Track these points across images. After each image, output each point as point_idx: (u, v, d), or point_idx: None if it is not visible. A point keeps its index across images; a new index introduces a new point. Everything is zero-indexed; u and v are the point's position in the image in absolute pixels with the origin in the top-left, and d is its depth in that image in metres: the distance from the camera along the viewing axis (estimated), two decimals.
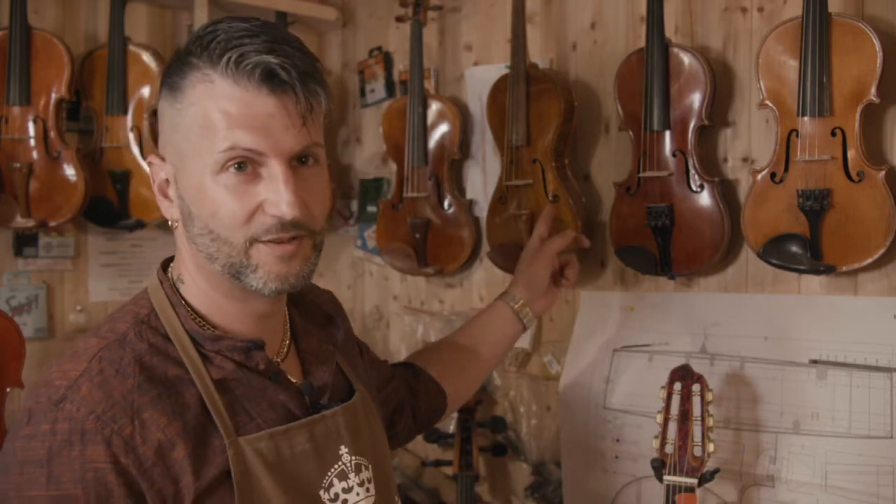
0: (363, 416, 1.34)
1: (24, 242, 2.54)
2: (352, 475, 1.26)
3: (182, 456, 1.09)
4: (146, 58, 2.55)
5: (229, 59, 1.07)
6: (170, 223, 1.20)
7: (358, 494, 1.26)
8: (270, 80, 1.07)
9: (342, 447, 1.26)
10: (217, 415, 1.13)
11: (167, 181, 1.19)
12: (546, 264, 1.92)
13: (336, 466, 1.24)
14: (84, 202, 2.45)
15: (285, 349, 1.30)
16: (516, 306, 1.88)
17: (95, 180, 2.49)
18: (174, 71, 1.13)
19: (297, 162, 1.14)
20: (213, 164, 1.10)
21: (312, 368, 1.31)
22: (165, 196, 1.20)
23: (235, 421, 1.15)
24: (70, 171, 2.43)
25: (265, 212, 1.11)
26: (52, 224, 2.44)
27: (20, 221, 2.39)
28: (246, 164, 1.10)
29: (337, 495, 1.23)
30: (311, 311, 1.42)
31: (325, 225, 1.22)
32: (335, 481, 1.23)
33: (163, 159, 1.18)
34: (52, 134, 2.42)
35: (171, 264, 1.27)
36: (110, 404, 1.06)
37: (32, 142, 2.39)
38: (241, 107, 1.07)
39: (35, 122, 2.40)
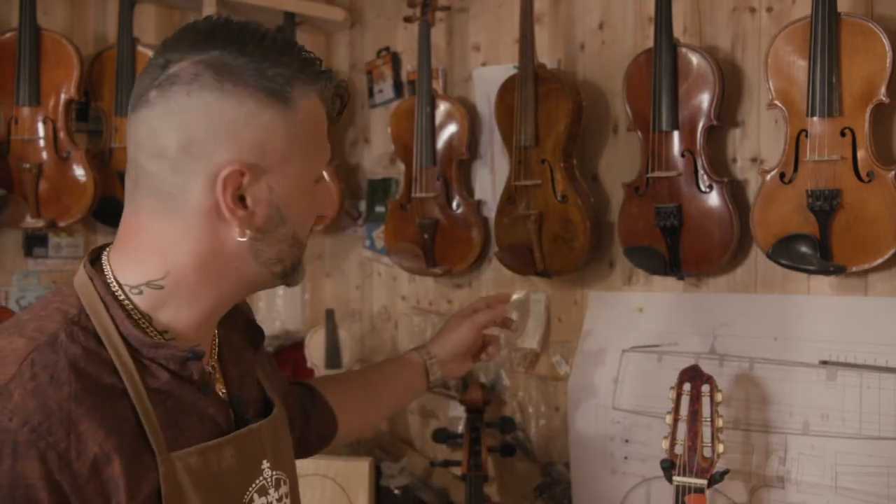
0: (282, 431, 1.30)
1: (33, 243, 2.55)
2: (272, 490, 1.22)
3: (117, 472, 1.01)
4: None
5: (324, 86, 1.14)
6: (239, 235, 1.09)
7: None
8: (333, 107, 1.18)
9: (265, 461, 1.22)
10: (151, 429, 1.05)
11: (238, 188, 1.08)
12: (470, 334, 1.81)
13: (257, 482, 1.19)
14: (93, 202, 2.46)
15: (214, 358, 1.24)
16: (429, 362, 1.78)
17: (105, 181, 2.50)
18: (276, 76, 1.08)
19: None
20: (317, 174, 1.16)
21: (235, 379, 1.26)
22: (241, 206, 1.09)
23: (167, 435, 1.08)
24: (79, 172, 2.43)
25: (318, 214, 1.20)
26: (62, 224, 2.45)
27: (30, 222, 2.40)
28: None
29: None
30: (234, 319, 1.32)
31: None
32: (255, 497, 1.19)
33: (244, 169, 1.07)
34: (62, 134, 2.42)
35: (105, 261, 1.14)
36: (46, 415, 0.97)
37: (42, 142, 2.40)
38: (324, 124, 1.16)
39: (45, 122, 2.41)
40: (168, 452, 1.06)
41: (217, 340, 1.25)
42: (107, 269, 1.11)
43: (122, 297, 1.09)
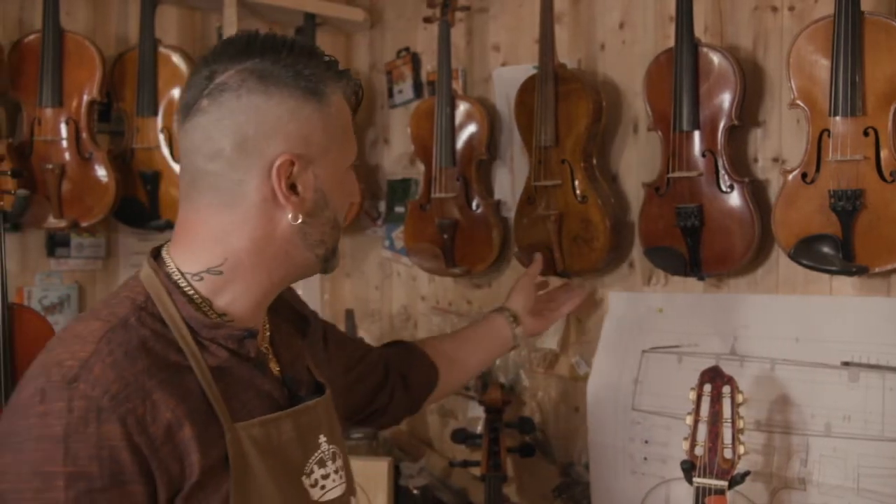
0: (333, 410, 1.41)
1: (56, 243, 2.57)
2: (329, 463, 1.33)
3: (189, 436, 1.13)
4: (176, 59, 2.57)
5: (347, 85, 1.27)
6: (293, 221, 1.23)
7: (333, 481, 1.33)
8: (351, 103, 1.31)
9: (321, 436, 1.33)
10: (215, 401, 1.18)
11: (291, 176, 1.22)
12: (527, 284, 2.12)
13: (317, 454, 1.31)
14: (115, 203, 2.48)
15: (267, 341, 1.37)
16: (509, 317, 2.04)
17: (126, 181, 2.52)
18: (311, 76, 1.22)
19: None
20: (349, 161, 1.30)
21: (286, 361, 1.38)
22: (294, 192, 1.23)
23: (230, 407, 1.20)
24: (101, 172, 2.45)
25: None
26: (84, 224, 2.47)
27: (53, 222, 2.42)
28: None
29: (317, 481, 1.30)
30: (281, 308, 1.45)
31: None
32: (315, 468, 1.30)
33: (294, 158, 1.21)
34: (84, 135, 2.44)
35: (166, 255, 1.27)
36: (123, 385, 1.10)
37: (64, 143, 2.42)
38: (350, 121, 1.30)
39: (67, 123, 2.43)
40: (232, 423, 1.19)
41: (268, 326, 1.38)
42: (168, 261, 1.25)
43: (184, 284, 1.23)
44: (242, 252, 1.22)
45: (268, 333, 1.37)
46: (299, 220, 1.22)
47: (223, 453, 1.17)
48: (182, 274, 1.23)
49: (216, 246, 1.22)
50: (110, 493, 1.08)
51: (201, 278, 1.23)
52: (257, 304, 1.28)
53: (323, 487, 1.31)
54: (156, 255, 1.29)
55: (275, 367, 1.34)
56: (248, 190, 1.20)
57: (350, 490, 1.39)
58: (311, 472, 1.29)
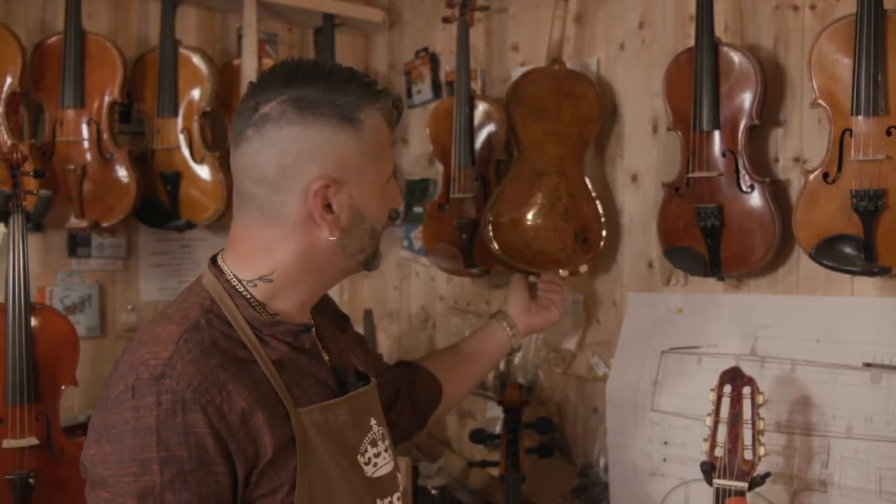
0: (377, 396, 1.58)
1: (77, 243, 2.59)
2: (379, 443, 1.49)
3: (261, 421, 1.28)
4: (196, 60, 2.59)
5: (384, 103, 1.39)
6: (330, 235, 1.36)
7: (383, 459, 1.49)
8: (391, 118, 1.43)
9: (372, 419, 1.50)
10: (280, 390, 1.33)
11: (327, 198, 1.35)
12: (518, 285, 2.15)
13: (369, 435, 1.47)
14: (136, 203, 2.49)
15: (315, 336, 1.49)
16: (505, 322, 2.08)
17: (146, 181, 2.54)
18: (345, 104, 1.35)
19: None
20: (386, 176, 1.42)
21: (334, 353, 1.53)
22: (330, 211, 1.36)
23: (293, 395, 1.35)
24: (122, 173, 2.47)
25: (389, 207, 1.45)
26: (105, 224, 2.48)
27: (74, 222, 2.44)
28: None
29: (370, 459, 1.45)
30: (323, 308, 1.61)
31: None
32: (368, 447, 1.46)
33: (330, 182, 1.34)
34: (105, 136, 2.46)
35: (222, 263, 1.42)
36: (202, 379, 1.25)
37: (86, 144, 2.44)
38: (389, 136, 1.42)
39: (88, 124, 2.44)
40: (296, 408, 1.34)
41: (314, 323, 1.51)
42: (225, 269, 1.40)
43: (242, 289, 1.38)
44: (289, 263, 1.38)
45: (313, 328, 1.49)
46: (336, 236, 1.36)
47: (290, 435, 1.32)
48: (239, 280, 1.38)
49: (265, 258, 1.38)
50: (198, 473, 1.23)
51: (255, 285, 1.38)
52: (305, 304, 1.45)
53: (375, 465, 1.46)
54: (213, 262, 1.43)
55: (326, 358, 1.49)
56: (289, 210, 1.34)
57: (396, 467, 1.54)
58: (365, 451, 1.45)
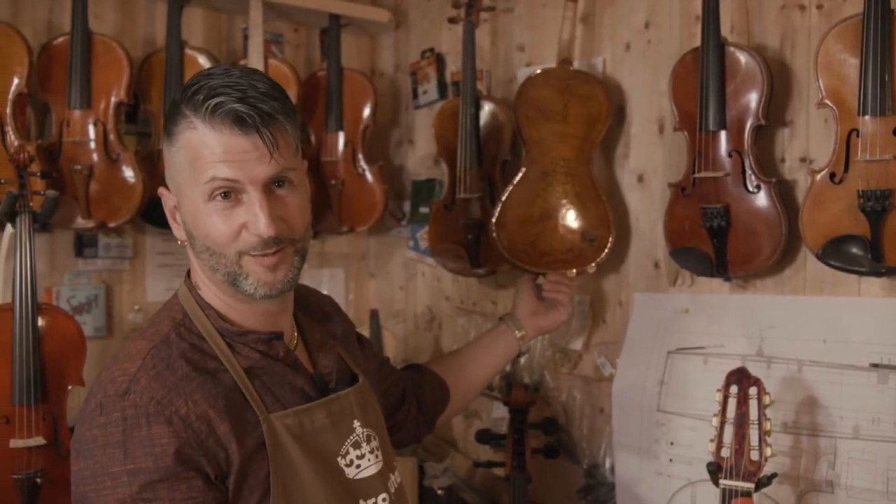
0: (369, 397, 1.59)
1: (84, 243, 2.59)
2: (364, 444, 1.50)
3: (227, 430, 1.31)
4: (202, 61, 2.59)
5: (207, 108, 1.28)
6: (179, 242, 1.44)
7: (369, 460, 1.49)
8: (240, 123, 1.29)
9: (355, 421, 1.50)
10: (250, 396, 1.36)
11: (175, 208, 1.42)
12: (526, 286, 2.20)
13: (351, 437, 1.48)
14: (142, 203, 2.49)
15: (295, 341, 1.54)
16: (512, 324, 2.11)
17: (153, 182, 2.53)
18: (168, 119, 1.36)
19: (275, 185, 1.35)
20: (203, 194, 1.33)
21: (318, 357, 1.55)
22: (174, 220, 1.43)
23: (264, 401, 1.38)
24: (129, 173, 2.47)
25: (248, 231, 1.34)
26: (112, 225, 2.48)
27: (81, 222, 2.44)
28: (230, 193, 1.32)
29: (352, 461, 1.46)
30: (312, 310, 1.65)
31: (308, 233, 1.44)
32: (350, 450, 1.47)
33: (168, 190, 1.43)
34: (112, 137, 2.46)
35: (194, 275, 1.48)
36: (167, 391, 1.29)
37: (92, 144, 2.44)
38: (220, 146, 1.30)
39: (95, 125, 2.44)
40: (267, 414, 1.37)
41: (300, 329, 1.57)
42: (196, 281, 1.45)
43: (211, 299, 1.43)
44: (199, 275, 1.45)
45: (296, 335, 1.55)
46: (184, 245, 1.43)
47: (260, 441, 1.35)
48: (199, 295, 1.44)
49: (192, 267, 1.47)
50: (168, 482, 1.26)
51: (216, 296, 1.44)
52: (256, 316, 1.44)
53: (358, 467, 1.47)
54: (188, 274, 1.48)
55: (307, 364, 1.51)
56: None
57: (388, 467, 1.55)
58: (347, 453, 1.46)
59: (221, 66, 1.42)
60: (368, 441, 1.51)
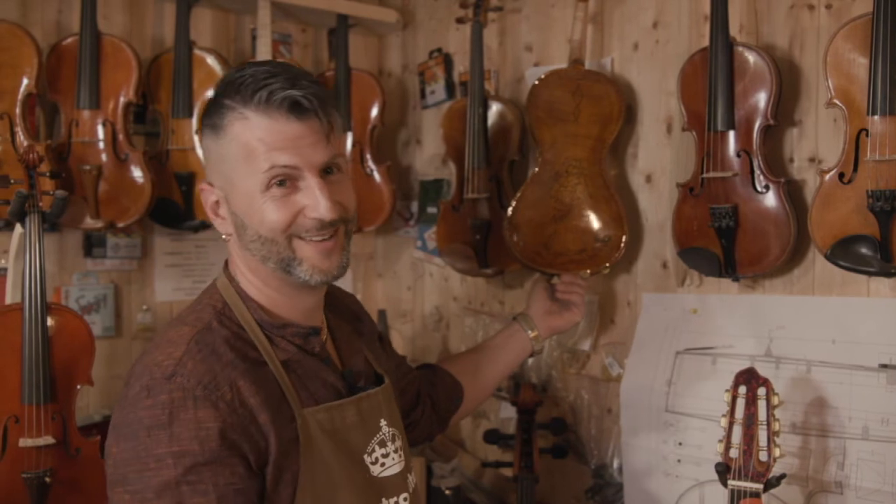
0: (392, 398, 1.61)
1: (93, 243, 2.60)
2: (389, 443, 1.51)
3: (266, 420, 1.32)
4: (211, 61, 2.59)
5: (260, 97, 1.30)
6: (223, 237, 1.45)
7: (393, 459, 1.51)
8: (296, 108, 1.31)
9: (382, 420, 1.52)
10: (287, 390, 1.38)
11: (217, 203, 1.42)
12: (538, 288, 2.20)
13: (378, 436, 1.50)
14: (151, 203, 2.50)
15: (325, 338, 1.54)
16: (525, 324, 2.10)
17: (162, 182, 2.55)
18: (212, 114, 1.36)
19: (325, 173, 1.37)
20: (260, 184, 1.34)
21: (346, 355, 1.57)
22: (217, 215, 1.44)
23: (299, 396, 1.40)
24: (137, 173, 2.48)
25: (306, 216, 1.36)
26: (120, 225, 2.49)
27: (90, 222, 2.45)
28: (286, 181, 1.34)
29: (377, 459, 1.48)
30: (340, 310, 1.67)
31: (356, 215, 1.47)
32: (376, 448, 1.48)
33: (211, 185, 1.42)
34: (121, 137, 2.47)
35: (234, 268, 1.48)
36: (213, 376, 1.30)
37: (102, 145, 2.45)
38: (275, 134, 1.32)
39: (104, 125, 2.45)
40: (301, 409, 1.38)
41: (329, 326, 1.58)
42: (236, 273, 1.46)
43: (252, 293, 1.44)
44: (244, 269, 1.45)
45: (325, 333, 1.55)
46: (228, 239, 1.44)
47: (294, 435, 1.36)
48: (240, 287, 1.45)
49: (233, 263, 1.46)
50: (212, 466, 1.27)
51: (258, 289, 1.45)
52: (299, 310, 1.46)
53: (383, 465, 1.49)
54: (226, 265, 1.49)
55: (337, 362, 1.54)
56: None
57: (407, 468, 1.57)
58: (373, 451, 1.48)
59: (254, 61, 1.45)
60: (393, 440, 1.53)
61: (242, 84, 1.31)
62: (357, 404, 1.47)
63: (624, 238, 2.22)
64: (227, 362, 1.33)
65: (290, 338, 1.43)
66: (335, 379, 1.48)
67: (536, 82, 2.35)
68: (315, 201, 1.34)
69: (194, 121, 2.57)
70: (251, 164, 1.33)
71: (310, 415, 1.39)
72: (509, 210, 2.35)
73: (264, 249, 1.38)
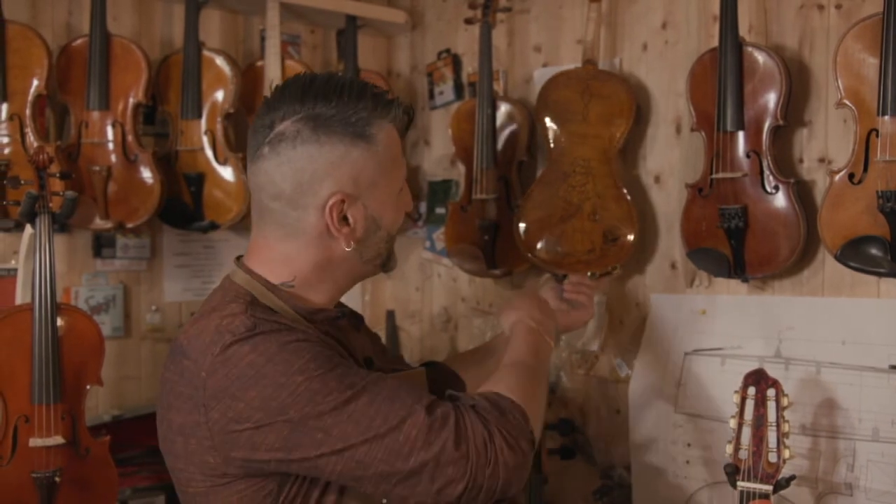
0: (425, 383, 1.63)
1: (102, 243, 2.61)
2: None
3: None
4: (220, 62, 2.60)
5: (397, 113, 1.43)
6: (346, 246, 1.41)
7: None
8: (406, 127, 1.48)
9: None
10: (343, 355, 1.39)
11: (342, 213, 1.40)
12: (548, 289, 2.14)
13: None
14: (160, 204, 2.51)
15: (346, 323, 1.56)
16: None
17: (171, 183, 2.55)
18: (353, 125, 1.38)
19: None
20: (399, 186, 1.47)
21: (357, 345, 1.55)
22: (341, 225, 1.41)
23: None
24: (146, 174, 2.48)
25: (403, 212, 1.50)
26: (130, 225, 2.50)
27: (99, 223, 2.46)
28: None
29: None
30: (340, 306, 1.64)
31: None
32: None
33: (344, 197, 1.39)
34: (130, 138, 2.48)
35: (249, 265, 1.45)
36: (285, 325, 1.32)
37: (111, 145, 2.46)
38: (400, 145, 1.47)
39: (114, 126, 2.46)
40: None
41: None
42: (255, 271, 1.44)
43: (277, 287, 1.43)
44: (308, 272, 1.43)
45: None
46: (351, 247, 1.42)
47: None
48: (268, 281, 1.43)
49: (285, 267, 1.42)
50: (342, 365, 1.31)
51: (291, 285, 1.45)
52: (329, 304, 1.49)
53: None
54: (239, 265, 1.48)
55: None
56: (306, 225, 1.39)
57: None
58: None
59: (354, 78, 1.51)
60: None
61: (378, 102, 1.40)
62: (410, 379, 1.50)
63: (633, 236, 2.21)
64: (284, 325, 1.34)
65: (321, 322, 1.44)
66: (361, 362, 1.50)
67: (546, 83, 2.35)
68: (409, 198, 1.51)
69: (203, 122, 2.57)
70: (396, 169, 1.45)
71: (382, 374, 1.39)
72: (518, 211, 2.35)
73: (385, 246, 1.48)
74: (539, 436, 1.44)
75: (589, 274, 2.21)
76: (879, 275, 1.78)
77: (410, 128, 1.53)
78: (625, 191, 2.23)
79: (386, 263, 1.51)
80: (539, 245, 2.32)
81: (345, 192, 1.38)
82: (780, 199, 1.94)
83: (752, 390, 1.76)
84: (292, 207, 1.39)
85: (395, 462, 1.25)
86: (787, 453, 1.70)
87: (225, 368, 1.28)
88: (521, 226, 2.34)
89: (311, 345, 1.30)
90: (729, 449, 1.76)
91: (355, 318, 1.68)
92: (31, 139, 2.33)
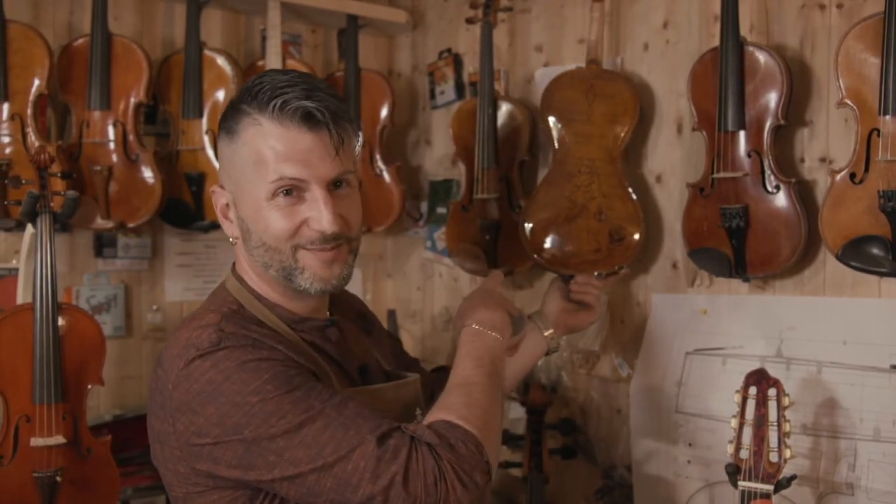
0: (420, 390, 1.60)
1: (103, 243, 2.61)
2: None
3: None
4: (221, 62, 2.60)
5: (275, 105, 1.31)
6: (231, 240, 1.45)
7: None
8: (309, 119, 1.32)
9: (418, 410, 1.52)
10: (324, 368, 1.40)
11: (227, 206, 1.43)
12: (554, 288, 2.14)
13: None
14: (161, 204, 2.51)
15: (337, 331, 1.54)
16: (541, 323, 2.02)
17: (172, 182, 2.55)
18: (229, 117, 1.37)
19: (333, 186, 1.37)
20: (267, 192, 1.34)
21: (358, 353, 1.54)
22: (226, 217, 1.44)
23: (336, 376, 1.41)
24: (148, 174, 2.49)
25: (309, 227, 1.36)
26: (131, 225, 2.50)
27: (100, 223, 2.46)
28: (292, 190, 1.35)
29: None
30: (344, 309, 1.64)
31: (360, 234, 1.47)
32: None
33: (223, 188, 1.43)
34: (131, 137, 2.48)
35: (239, 272, 1.48)
36: (255, 339, 1.31)
37: (112, 145, 2.46)
38: (286, 143, 1.32)
39: (115, 126, 2.46)
40: (340, 388, 1.38)
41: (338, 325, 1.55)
42: (245, 277, 1.46)
43: (264, 293, 1.44)
44: (256, 279, 1.45)
45: (336, 324, 1.54)
46: (235, 242, 1.44)
47: None
48: (253, 289, 1.44)
49: (246, 272, 1.46)
50: (304, 371, 1.31)
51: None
52: (309, 309, 1.46)
53: None
54: (234, 269, 1.49)
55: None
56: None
57: None
58: None
59: (276, 69, 1.49)
60: None
61: (260, 91, 1.32)
62: (395, 390, 1.49)
63: (639, 235, 2.21)
64: (263, 333, 1.34)
65: (307, 332, 1.43)
66: (353, 371, 1.49)
67: (550, 83, 2.35)
68: (318, 213, 1.35)
69: (204, 121, 2.57)
70: (260, 172, 1.34)
71: (349, 394, 1.37)
72: (523, 211, 2.35)
73: (266, 256, 1.38)
74: (497, 458, 1.41)
75: (596, 273, 2.20)
76: (881, 274, 1.78)
77: (319, 124, 1.33)
78: (630, 190, 2.23)
79: (290, 276, 1.39)
80: (545, 245, 2.32)
81: (223, 188, 1.43)
82: (781, 199, 1.94)
83: (753, 390, 1.76)
84: None
85: (345, 492, 1.24)
86: (788, 453, 1.70)
87: (187, 383, 1.28)
88: (528, 226, 2.34)
89: (273, 364, 1.28)
90: (730, 449, 1.76)
91: (364, 321, 1.68)
92: (33, 139, 2.33)
